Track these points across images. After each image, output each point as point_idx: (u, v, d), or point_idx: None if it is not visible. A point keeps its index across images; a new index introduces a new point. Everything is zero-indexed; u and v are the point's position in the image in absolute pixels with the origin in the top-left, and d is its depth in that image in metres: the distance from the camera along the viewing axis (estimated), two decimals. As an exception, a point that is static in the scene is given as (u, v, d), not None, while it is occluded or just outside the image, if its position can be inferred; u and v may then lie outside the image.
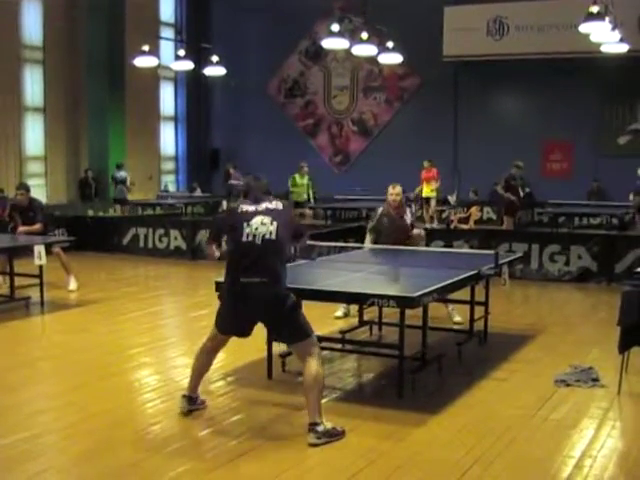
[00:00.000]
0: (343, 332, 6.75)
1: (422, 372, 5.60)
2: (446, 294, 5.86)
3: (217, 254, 4.96)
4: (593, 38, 12.37)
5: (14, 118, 17.16)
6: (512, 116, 19.10)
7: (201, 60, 18.31)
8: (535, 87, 18.39)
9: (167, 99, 22.03)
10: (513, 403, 5.21)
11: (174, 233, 13.14)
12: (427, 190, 16.38)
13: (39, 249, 8.33)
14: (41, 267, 8.60)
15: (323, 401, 4.69)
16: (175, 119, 22.44)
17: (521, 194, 13.87)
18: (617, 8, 14.98)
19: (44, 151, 18.00)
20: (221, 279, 4.85)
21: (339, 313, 7.82)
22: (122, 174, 17.95)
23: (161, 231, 13.27)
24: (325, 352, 6.20)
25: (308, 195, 15.82)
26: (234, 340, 4.91)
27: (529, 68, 17.86)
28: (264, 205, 4.66)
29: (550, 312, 8.80)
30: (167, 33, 21.05)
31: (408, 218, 7.69)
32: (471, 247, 10.56)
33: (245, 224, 4.56)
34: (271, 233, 4.54)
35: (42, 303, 8.61)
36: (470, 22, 17.96)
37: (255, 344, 5.53)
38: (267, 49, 21.11)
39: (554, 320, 8.10)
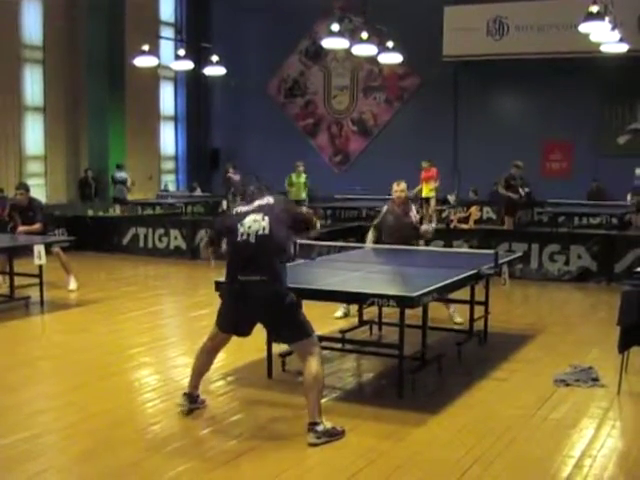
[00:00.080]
0: (343, 332, 6.75)
1: (422, 372, 5.60)
2: (446, 294, 5.86)
3: (212, 263, 4.97)
4: (593, 38, 12.37)
5: (14, 118, 17.16)
6: (512, 116, 19.10)
7: (201, 60, 18.30)
8: (535, 87, 18.39)
9: (167, 99, 22.04)
10: (513, 403, 5.21)
11: (174, 233, 13.14)
12: (426, 190, 16.38)
13: (39, 249, 8.33)
14: (41, 267, 8.60)
15: (323, 401, 4.69)
16: (175, 119, 22.44)
17: (522, 193, 13.87)
18: (617, 8, 15.02)
19: (44, 151, 18.00)
20: (221, 279, 4.86)
21: (339, 313, 7.82)
22: (122, 174, 17.96)
23: (161, 231, 13.27)
24: (325, 352, 6.19)
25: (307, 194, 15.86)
26: (234, 340, 4.91)
27: (529, 68, 17.86)
28: (256, 203, 4.69)
29: (550, 312, 8.81)
30: (167, 33, 21.05)
31: (413, 215, 7.67)
32: (471, 247, 10.56)
33: (239, 225, 4.60)
34: (264, 229, 4.55)
35: (42, 303, 8.61)
36: (470, 22, 17.96)
37: (255, 344, 5.53)
38: (267, 49, 21.11)
39: (554, 320, 8.10)
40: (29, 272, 8.92)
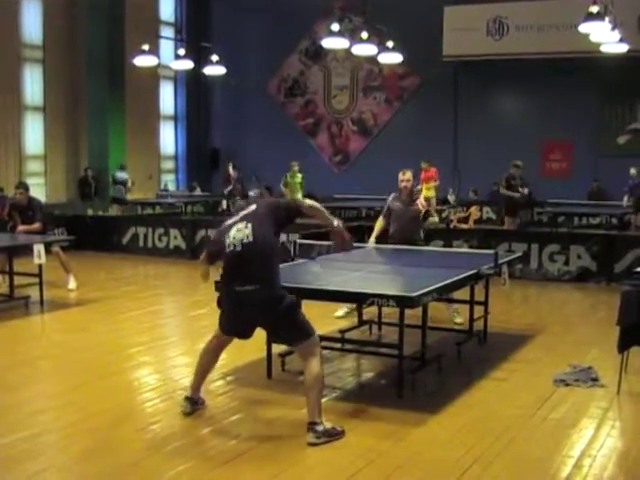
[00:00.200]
0: (342, 331, 6.75)
1: (422, 372, 5.60)
2: (446, 294, 5.86)
3: (206, 280, 4.97)
4: (593, 38, 12.39)
5: (14, 117, 17.18)
6: (512, 116, 19.11)
7: (201, 59, 18.32)
8: (535, 87, 18.40)
9: (167, 98, 22.05)
10: (512, 403, 5.21)
11: (174, 232, 13.14)
12: (426, 190, 16.36)
13: (38, 248, 8.33)
14: (40, 266, 8.59)
15: (323, 400, 4.69)
16: (175, 118, 22.46)
17: (524, 193, 13.86)
18: (617, 8, 15.03)
19: (44, 150, 18.01)
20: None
21: (340, 313, 7.80)
22: (123, 175, 17.97)
23: (161, 230, 13.27)
24: (325, 351, 6.19)
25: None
26: (234, 340, 4.91)
27: (529, 68, 17.87)
28: (241, 213, 4.74)
29: (549, 312, 8.81)
30: (167, 32, 21.06)
31: (420, 203, 7.63)
32: (471, 247, 10.55)
33: (226, 236, 4.64)
34: (248, 236, 4.56)
35: (42, 302, 8.61)
36: (470, 22, 17.97)
37: (255, 344, 5.53)
38: (267, 49, 21.11)
39: (553, 320, 8.10)
40: (29, 271, 8.91)
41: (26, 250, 8.67)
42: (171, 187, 21.93)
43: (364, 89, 21.04)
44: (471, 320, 6.71)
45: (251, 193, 4.79)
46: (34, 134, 17.78)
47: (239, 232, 4.59)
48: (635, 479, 4.11)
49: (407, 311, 5.21)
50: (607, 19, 11.49)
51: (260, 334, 5.09)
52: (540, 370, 5.97)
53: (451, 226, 15.45)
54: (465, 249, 10.07)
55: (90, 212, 16.02)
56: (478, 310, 6.78)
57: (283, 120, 21.54)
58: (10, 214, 9.83)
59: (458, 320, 7.39)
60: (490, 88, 18.89)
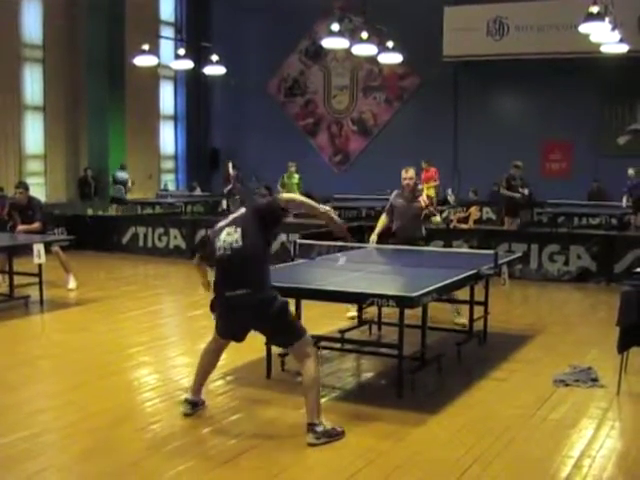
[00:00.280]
0: (342, 331, 6.75)
1: (421, 372, 5.60)
2: (445, 294, 5.86)
3: (208, 290, 4.97)
4: (593, 38, 12.38)
5: (14, 117, 17.18)
6: (512, 116, 19.11)
7: (201, 59, 18.31)
8: (535, 87, 18.39)
9: (167, 98, 22.05)
10: (512, 403, 5.22)
11: (173, 232, 13.14)
12: (426, 190, 16.35)
13: (38, 248, 8.33)
14: (40, 266, 8.60)
15: (322, 400, 4.69)
16: (175, 118, 22.45)
17: (525, 193, 13.85)
18: (617, 8, 15.02)
19: (44, 150, 18.01)
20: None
21: (353, 313, 7.53)
22: (123, 175, 17.96)
23: (160, 230, 13.28)
24: (324, 352, 6.22)
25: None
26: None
27: (529, 68, 17.86)
28: (231, 217, 4.74)
29: (549, 312, 8.81)
30: (167, 32, 21.06)
31: (422, 200, 7.66)
32: (470, 247, 10.56)
33: (216, 240, 4.65)
34: (237, 240, 4.56)
35: (41, 302, 8.61)
36: (470, 22, 17.96)
37: (254, 344, 5.53)
38: (267, 49, 21.11)
39: (553, 320, 8.10)
40: (29, 271, 8.91)
41: (26, 250, 8.67)
42: (171, 187, 21.93)
43: (364, 89, 21.04)
44: (471, 320, 6.72)
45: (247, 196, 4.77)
46: (34, 134, 17.78)
47: (229, 236, 4.60)
48: (635, 479, 4.11)
49: (407, 311, 5.21)
50: (607, 19, 11.48)
51: (259, 334, 5.09)
52: (540, 370, 5.98)
53: (451, 226, 15.44)
54: (465, 249, 10.07)
55: (90, 212, 16.02)
56: (478, 310, 6.79)
57: (283, 120, 21.54)
58: (10, 214, 9.83)
59: (459, 321, 7.37)
60: (490, 88, 18.89)
